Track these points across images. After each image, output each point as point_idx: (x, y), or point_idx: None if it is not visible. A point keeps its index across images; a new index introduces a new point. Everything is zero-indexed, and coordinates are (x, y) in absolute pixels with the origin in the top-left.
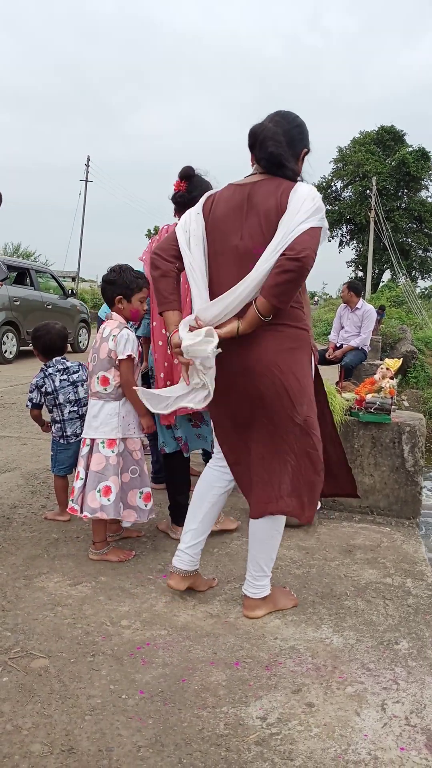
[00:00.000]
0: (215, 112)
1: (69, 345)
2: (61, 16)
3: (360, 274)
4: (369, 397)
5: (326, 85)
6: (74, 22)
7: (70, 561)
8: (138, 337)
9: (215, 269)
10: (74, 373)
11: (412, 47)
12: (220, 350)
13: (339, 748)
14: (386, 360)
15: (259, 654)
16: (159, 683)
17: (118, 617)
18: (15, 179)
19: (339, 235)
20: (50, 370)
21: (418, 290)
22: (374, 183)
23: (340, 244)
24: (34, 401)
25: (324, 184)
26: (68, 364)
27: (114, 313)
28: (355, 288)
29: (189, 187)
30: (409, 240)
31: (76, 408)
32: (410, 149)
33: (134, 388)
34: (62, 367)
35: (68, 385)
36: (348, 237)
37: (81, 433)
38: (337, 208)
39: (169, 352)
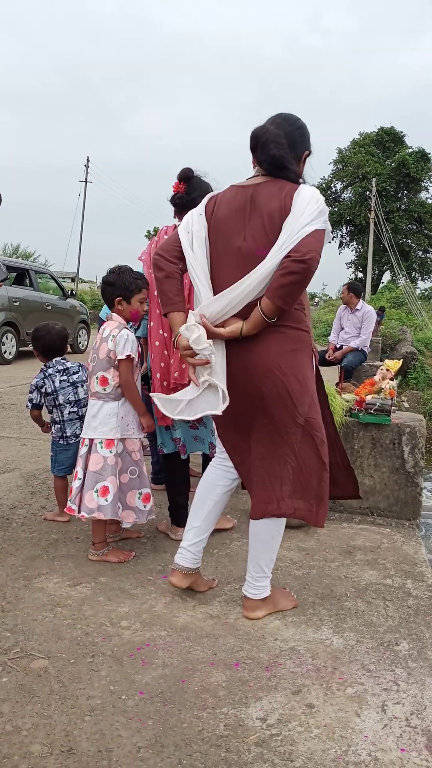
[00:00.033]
0: (215, 112)
1: (69, 346)
2: (61, 16)
3: (360, 275)
4: (369, 398)
5: (326, 85)
6: (74, 22)
7: (69, 562)
8: (138, 338)
9: (217, 270)
10: (74, 373)
11: (412, 47)
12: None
13: (339, 749)
14: (386, 361)
15: (259, 655)
16: (159, 684)
17: (117, 618)
18: (15, 179)
19: (339, 236)
20: (50, 371)
21: (418, 291)
22: (374, 184)
23: (340, 246)
24: (34, 402)
25: (324, 185)
26: (68, 364)
27: (114, 314)
28: (354, 289)
29: (188, 189)
30: (409, 241)
31: (75, 409)
32: (410, 150)
33: (151, 395)
34: (62, 367)
35: (68, 386)
36: (348, 238)
37: (81, 434)
38: (336, 209)
39: (165, 352)
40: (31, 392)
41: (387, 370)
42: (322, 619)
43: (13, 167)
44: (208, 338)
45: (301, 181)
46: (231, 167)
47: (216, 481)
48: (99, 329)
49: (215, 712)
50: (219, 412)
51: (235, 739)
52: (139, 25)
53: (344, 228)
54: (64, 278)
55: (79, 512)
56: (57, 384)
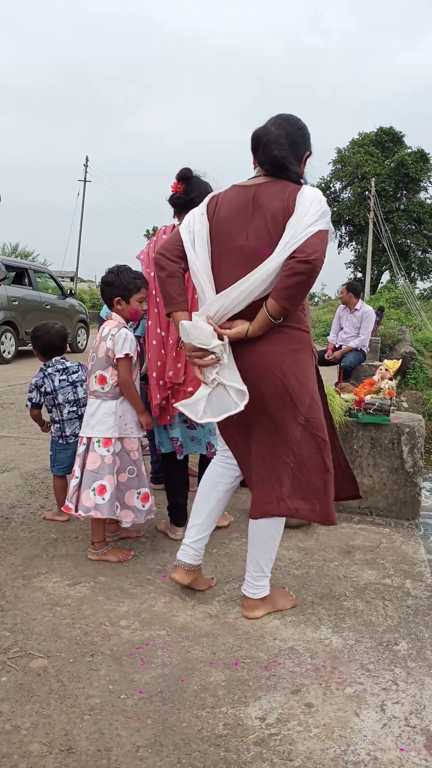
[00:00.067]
0: (215, 112)
1: (68, 345)
2: (61, 16)
3: (359, 275)
4: (368, 398)
5: (326, 85)
6: (74, 22)
7: (68, 561)
8: (137, 338)
9: (219, 269)
10: (73, 373)
11: (412, 47)
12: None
13: (338, 749)
14: (385, 361)
15: (258, 654)
16: (158, 683)
17: (117, 617)
18: (15, 179)
19: (338, 236)
20: (49, 370)
21: (417, 291)
22: (373, 184)
23: (339, 246)
24: (33, 401)
25: (323, 185)
26: (68, 364)
27: (113, 314)
28: (354, 289)
29: (186, 189)
30: (408, 241)
31: (75, 408)
32: (409, 150)
33: (175, 405)
34: (61, 367)
35: (67, 385)
36: (347, 238)
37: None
38: (335, 209)
39: (162, 351)
40: (30, 391)
41: (386, 370)
42: (321, 619)
43: (13, 167)
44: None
45: (302, 181)
46: (231, 167)
47: (218, 479)
48: (99, 329)
49: (214, 711)
50: (241, 408)
51: (234, 739)
52: (139, 25)
53: (343, 228)
54: (63, 278)
55: (76, 511)
56: (56, 383)
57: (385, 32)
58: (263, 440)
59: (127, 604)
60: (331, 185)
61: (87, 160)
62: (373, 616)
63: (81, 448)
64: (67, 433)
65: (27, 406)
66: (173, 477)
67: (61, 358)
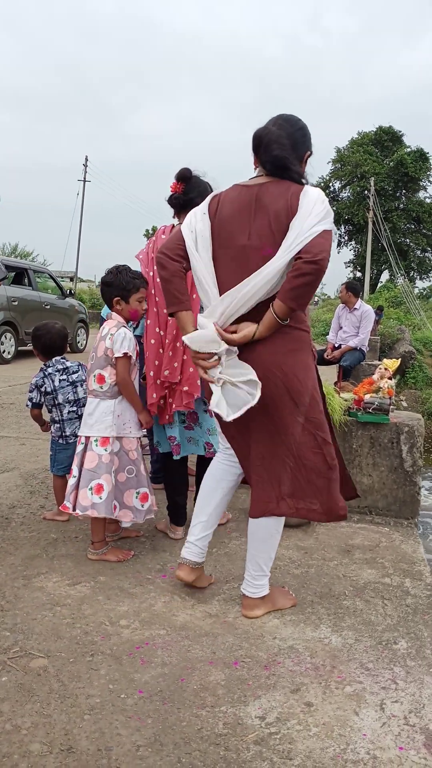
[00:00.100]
0: (215, 112)
1: (68, 345)
2: (61, 16)
3: (358, 274)
4: (367, 397)
5: (326, 85)
6: (74, 22)
7: (68, 561)
8: (137, 337)
9: (220, 269)
10: (74, 373)
11: (412, 47)
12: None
13: (338, 748)
14: (384, 360)
15: (258, 653)
16: (158, 683)
17: (117, 617)
18: (15, 179)
19: (337, 235)
20: (50, 370)
21: (416, 291)
22: (372, 183)
23: (339, 245)
24: (33, 401)
25: (322, 184)
26: (68, 364)
27: (113, 314)
28: (353, 288)
29: (186, 189)
30: (408, 240)
31: (75, 408)
32: (408, 150)
33: (210, 407)
34: (62, 367)
35: (67, 385)
36: (346, 237)
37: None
38: (335, 208)
39: (160, 350)
40: (30, 391)
41: (385, 369)
42: (321, 618)
43: (13, 167)
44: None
45: (303, 181)
46: (231, 167)
47: (222, 476)
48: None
49: (214, 710)
50: (258, 396)
51: (234, 738)
52: (139, 25)
53: (342, 227)
54: (62, 278)
55: (74, 510)
56: (56, 383)
57: (385, 32)
58: (263, 440)
59: (127, 604)
60: (331, 184)
61: (86, 160)
62: (372, 615)
63: (79, 448)
64: (67, 433)
65: (27, 406)
66: (173, 477)
67: (62, 358)
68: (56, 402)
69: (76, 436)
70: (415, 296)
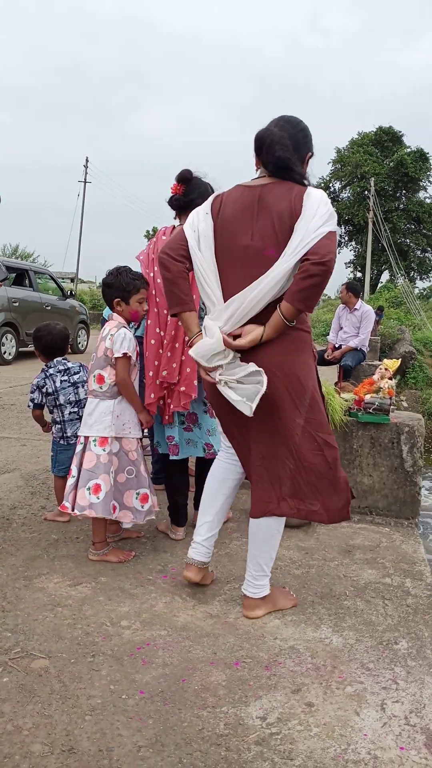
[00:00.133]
0: (215, 112)
1: (68, 346)
2: (61, 16)
3: (358, 274)
4: (368, 397)
5: (326, 85)
6: (74, 22)
7: (69, 562)
8: (138, 338)
9: (222, 269)
10: (75, 374)
11: (412, 47)
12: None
13: (339, 748)
14: (385, 360)
15: (259, 654)
16: (159, 683)
17: (118, 618)
18: (15, 179)
19: (338, 236)
20: (51, 371)
21: (416, 291)
22: (372, 184)
23: (339, 245)
24: (35, 401)
25: (322, 185)
26: (69, 364)
27: (114, 314)
28: (353, 289)
29: (186, 190)
30: (408, 241)
31: (76, 409)
32: (408, 150)
33: (252, 405)
34: (63, 367)
35: (69, 386)
36: (346, 238)
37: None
38: (335, 209)
39: (160, 351)
40: (32, 392)
41: (386, 369)
42: (322, 618)
43: (13, 167)
44: (226, 345)
45: (305, 182)
46: (231, 167)
47: (225, 476)
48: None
49: (215, 711)
50: (265, 383)
51: (235, 738)
52: (139, 25)
53: (343, 228)
54: (63, 278)
55: (72, 510)
56: (58, 384)
57: (385, 32)
58: (263, 440)
59: (128, 605)
60: (331, 185)
61: (87, 161)
62: (373, 616)
63: (78, 447)
64: (69, 434)
65: (29, 406)
66: (173, 477)
67: (63, 359)
68: (57, 403)
69: (77, 436)
70: (415, 296)
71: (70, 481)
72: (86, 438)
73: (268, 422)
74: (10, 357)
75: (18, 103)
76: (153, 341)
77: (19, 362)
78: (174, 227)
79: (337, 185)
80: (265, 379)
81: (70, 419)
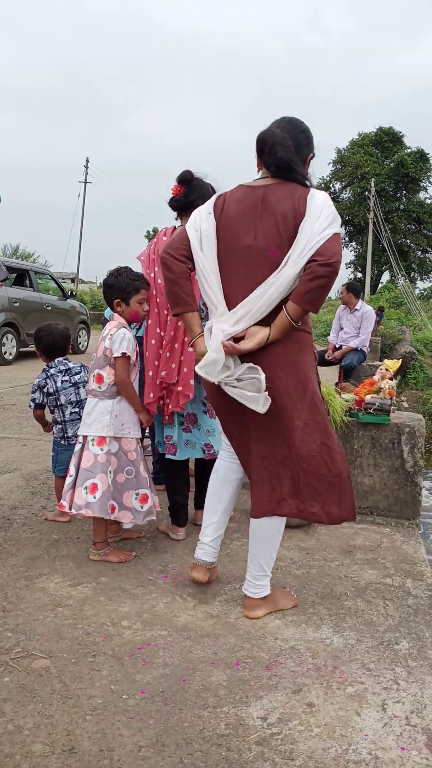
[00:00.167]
0: (215, 112)
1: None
2: (61, 16)
3: (359, 275)
4: (368, 398)
5: (326, 85)
6: (74, 22)
7: (70, 562)
8: (138, 338)
9: (224, 269)
10: (76, 374)
11: (412, 47)
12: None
13: (340, 748)
14: (385, 361)
15: (260, 654)
16: (160, 683)
17: (118, 618)
18: (15, 179)
19: None
20: (52, 371)
21: (417, 291)
22: (373, 184)
23: None
24: (36, 401)
25: (323, 185)
26: (70, 365)
27: (115, 315)
28: (354, 289)
29: (187, 191)
30: (408, 241)
31: (77, 409)
32: (409, 150)
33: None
34: (64, 368)
35: (70, 386)
36: (347, 238)
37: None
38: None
39: (160, 351)
40: (33, 392)
41: (386, 369)
42: (322, 619)
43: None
44: (229, 352)
45: (307, 183)
46: (231, 167)
47: (228, 475)
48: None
49: (216, 711)
50: (263, 374)
51: (235, 738)
52: (139, 25)
53: (343, 228)
54: (63, 279)
55: (70, 509)
56: (59, 384)
57: (385, 32)
58: (263, 440)
59: (128, 605)
60: (331, 185)
61: (87, 161)
62: (373, 616)
63: (77, 447)
64: (69, 434)
65: (30, 406)
66: (173, 477)
67: (64, 359)
68: (58, 403)
69: (78, 437)
70: (415, 297)
71: (69, 480)
72: (85, 437)
73: (269, 422)
74: (11, 357)
75: (18, 103)
76: (153, 341)
77: (19, 362)
78: (175, 228)
79: (338, 186)
80: (261, 372)
81: (71, 419)
